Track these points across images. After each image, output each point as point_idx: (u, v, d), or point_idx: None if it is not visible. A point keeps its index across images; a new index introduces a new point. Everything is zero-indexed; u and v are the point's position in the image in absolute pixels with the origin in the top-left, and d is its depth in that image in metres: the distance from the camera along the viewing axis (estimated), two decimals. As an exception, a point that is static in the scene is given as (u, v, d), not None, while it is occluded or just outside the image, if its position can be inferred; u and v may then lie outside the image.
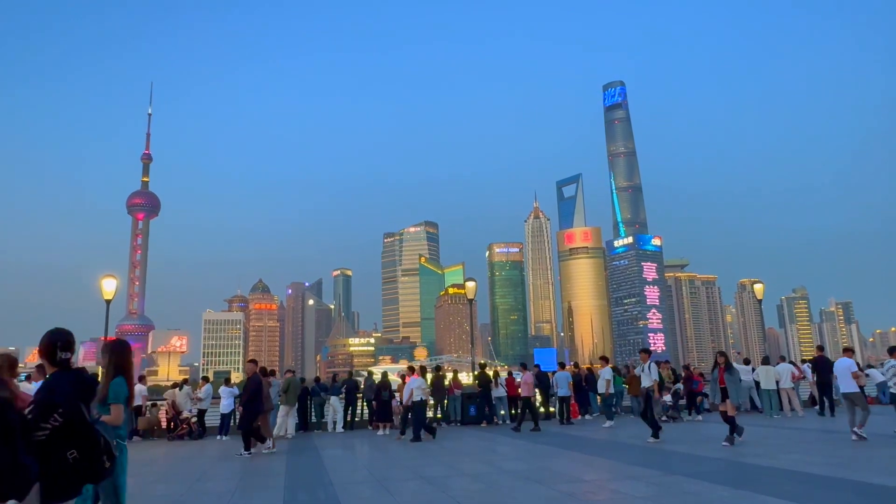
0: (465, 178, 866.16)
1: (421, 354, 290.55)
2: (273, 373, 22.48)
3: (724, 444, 13.95)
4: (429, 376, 25.01)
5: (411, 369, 19.92)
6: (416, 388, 18.07)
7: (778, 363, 23.41)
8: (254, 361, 16.53)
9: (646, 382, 15.94)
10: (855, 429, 14.56)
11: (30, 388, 19.61)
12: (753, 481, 9.62)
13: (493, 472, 11.83)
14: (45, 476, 4.06)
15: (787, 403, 22.10)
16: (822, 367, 22.62)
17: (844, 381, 15.24)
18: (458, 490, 9.99)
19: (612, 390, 20.97)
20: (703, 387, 24.69)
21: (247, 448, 15.15)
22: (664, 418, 21.48)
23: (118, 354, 5.94)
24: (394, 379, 24.75)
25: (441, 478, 11.28)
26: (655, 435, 15.28)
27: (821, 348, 25.48)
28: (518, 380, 23.54)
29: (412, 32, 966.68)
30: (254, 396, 15.37)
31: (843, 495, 8.60)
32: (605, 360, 22.03)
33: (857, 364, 18.29)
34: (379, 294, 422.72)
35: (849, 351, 16.15)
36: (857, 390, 15.11)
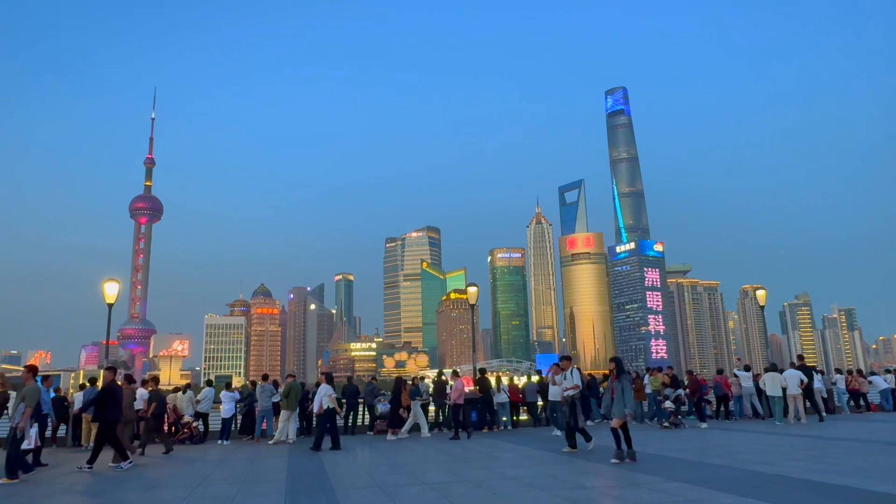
0: (467, 183, 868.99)
1: (421, 359, 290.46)
2: (266, 377, 22.39)
3: (614, 460, 12.82)
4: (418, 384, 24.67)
5: (323, 375, 19.11)
6: (325, 396, 17.65)
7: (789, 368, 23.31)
8: (111, 369, 15.29)
9: (569, 390, 15.24)
10: None
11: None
12: (756, 488, 9.58)
13: (495, 479, 11.79)
14: None
15: (793, 410, 21.98)
16: (805, 375, 22.98)
17: None
18: (459, 496, 9.96)
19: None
20: (709, 392, 24.72)
21: (124, 458, 14.30)
22: (666, 424, 21.39)
23: None
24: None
25: (442, 484, 11.27)
26: (573, 446, 14.75)
27: (801, 357, 26.11)
28: (516, 384, 23.46)
29: (416, 38, 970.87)
30: (101, 405, 14.33)
31: (846, 503, 8.56)
32: (557, 366, 21.77)
33: None
34: (381, 299, 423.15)
35: None
36: None
